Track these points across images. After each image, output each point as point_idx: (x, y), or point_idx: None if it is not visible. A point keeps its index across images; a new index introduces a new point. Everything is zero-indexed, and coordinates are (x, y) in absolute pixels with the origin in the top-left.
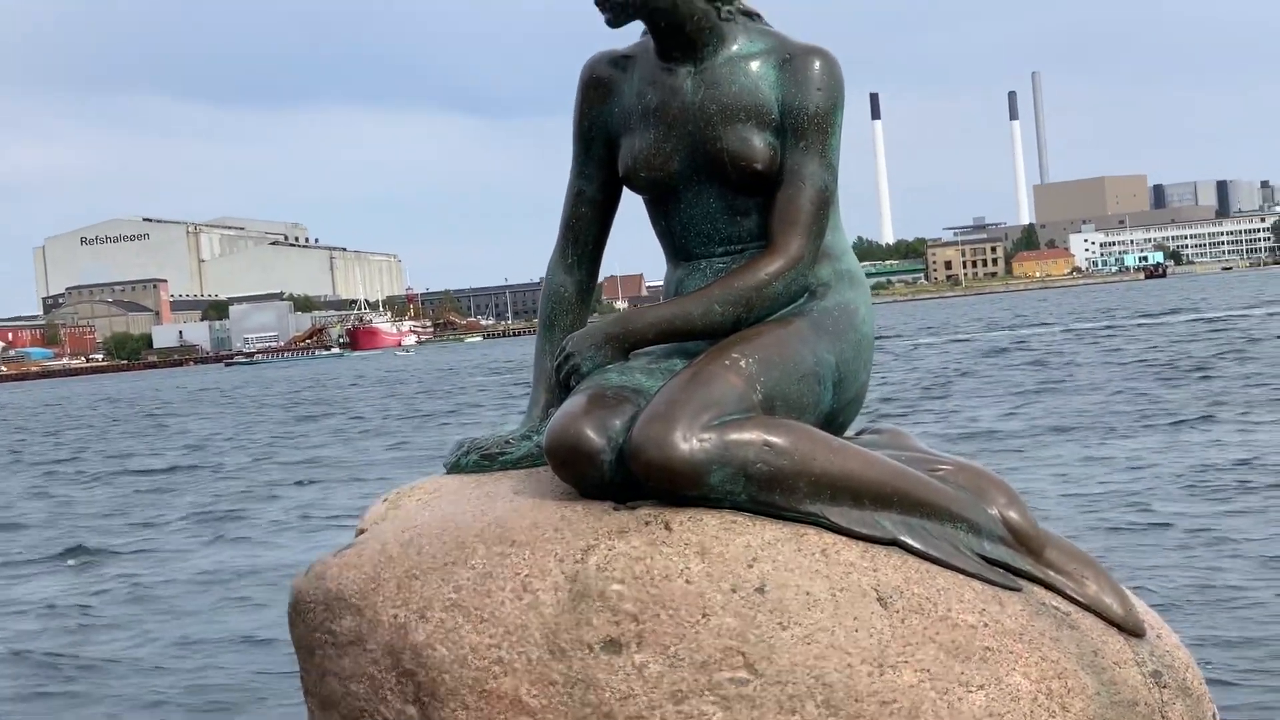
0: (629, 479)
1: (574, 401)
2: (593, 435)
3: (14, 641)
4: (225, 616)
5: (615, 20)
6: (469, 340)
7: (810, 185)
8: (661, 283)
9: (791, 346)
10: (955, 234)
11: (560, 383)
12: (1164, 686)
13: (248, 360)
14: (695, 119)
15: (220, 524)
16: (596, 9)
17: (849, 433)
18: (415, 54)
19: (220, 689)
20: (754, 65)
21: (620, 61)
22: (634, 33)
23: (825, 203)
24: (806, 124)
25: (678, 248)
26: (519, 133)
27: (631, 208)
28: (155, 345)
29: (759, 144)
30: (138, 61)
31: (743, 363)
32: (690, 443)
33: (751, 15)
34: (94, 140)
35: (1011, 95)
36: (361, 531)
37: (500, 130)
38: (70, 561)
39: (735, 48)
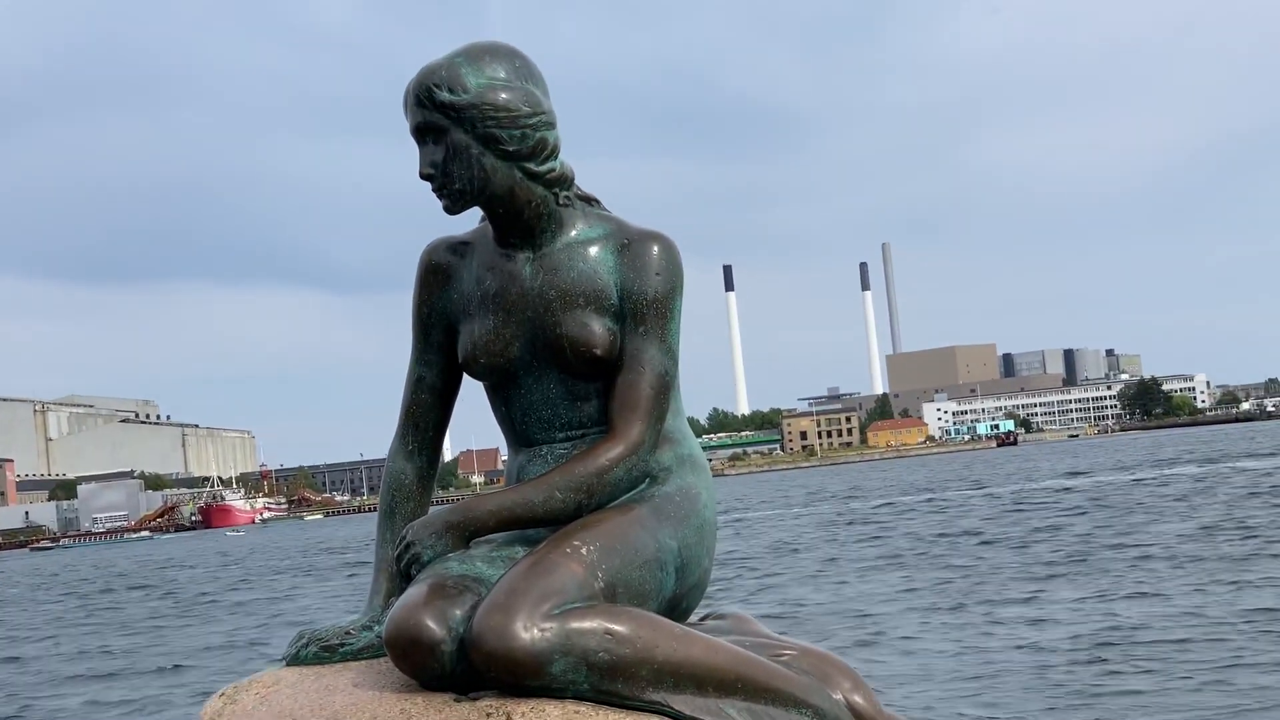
0: (470, 669)
1: (414, 591)
2: (433, 626)
3: None
4: None
5: (453, 207)
6: (310, 518)
7: (650, 370)
8: None
9: (633, 533)
10: (810, 404)
11: (401, 572)
12: None
13: (53, 544)
14: (534, 304)
15: None
16: (435, 195)
17: (693, 617)
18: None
19: None
20: (593, 250)
21: (459, 248)
22: (473, 218)
23: (666, 387)
24: (645, 309)
25: (518, 433)
26: (366, 307)
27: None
28: (0, 527)
29: (598, 329)
30: None
31: (584, 550)
32: (531, 632)
33: (589, 200)
34: None
35: (863, 266)
36: None
37: (349, 305)
38: None
39: (574, 233)
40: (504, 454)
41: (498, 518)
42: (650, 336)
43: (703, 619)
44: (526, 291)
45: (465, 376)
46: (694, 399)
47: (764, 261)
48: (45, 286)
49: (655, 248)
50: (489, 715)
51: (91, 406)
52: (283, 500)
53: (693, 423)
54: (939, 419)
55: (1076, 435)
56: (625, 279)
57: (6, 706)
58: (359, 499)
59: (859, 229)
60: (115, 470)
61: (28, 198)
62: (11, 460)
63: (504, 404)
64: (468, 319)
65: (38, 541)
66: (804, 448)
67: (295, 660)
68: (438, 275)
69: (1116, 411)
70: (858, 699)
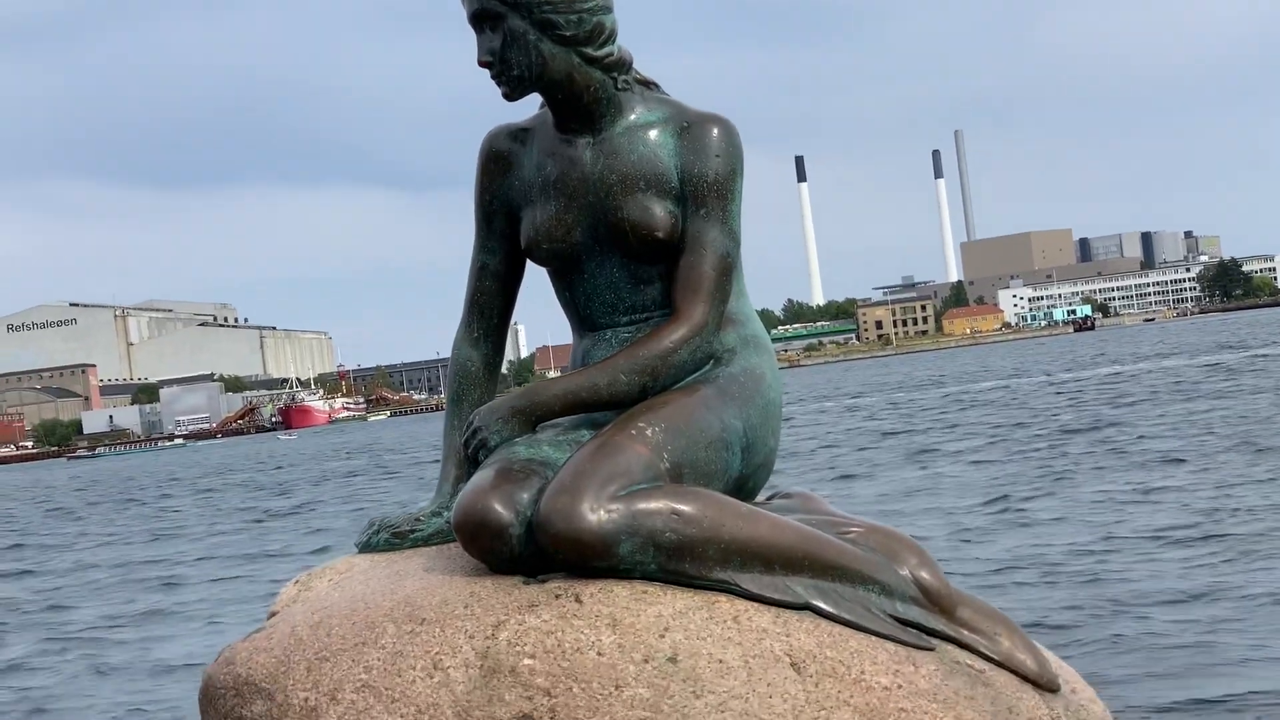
0: (538, 552)
1: (481, 476)
2: (500, 510)
3: None
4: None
5: (512, 94)
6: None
7: (712, 252)
8: None
9: (698, 413)
10: (885, 293)
11: (469, 457)
12: None
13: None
14: (595, 189)
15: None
16: (494, 83)
17: (759, 498)
18: (332, 131)
19: None
20: (652, 134)
21: (519, 134)
22: (533, 105)
23: (728, 269)
24: (706, 191)
25: (583, 318)
26: (441, 204)
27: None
28: (85, 431)
29: (659, 212)
30: (57, 147)
31: (649, 431)
32: (598, 514)
33: (648, 84)
34: (16, 227)
35: (935, 154)
36: (273, 614)
37: (424, 203)
38: None
39: (633, 117)
40: None
41: (563, 402)
42: (711, 218)
43: (769, 498)
44: (587, 176)
45: (529, 263)
46: (768, 290)
47: (836, 152)
48: (123, 192)
49: (715, 130)
50: (557, 597)
51: (170, 311)
52: (360, 400)
53: (767, 315)
54: (1015, 305)
55: (1152, 319)
56: (685, 162)
57: (102, 604)
58: (436, 397)
59: (930, 116)
60: (195, 373)
61: (106, 104)
62: (94, 365)
63: (567, 289)
64: (529, 205)
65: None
66: (879, 337)
67: (367, 547)
68: (498, 163)
69: (1195, 294)
70: (924, 575)
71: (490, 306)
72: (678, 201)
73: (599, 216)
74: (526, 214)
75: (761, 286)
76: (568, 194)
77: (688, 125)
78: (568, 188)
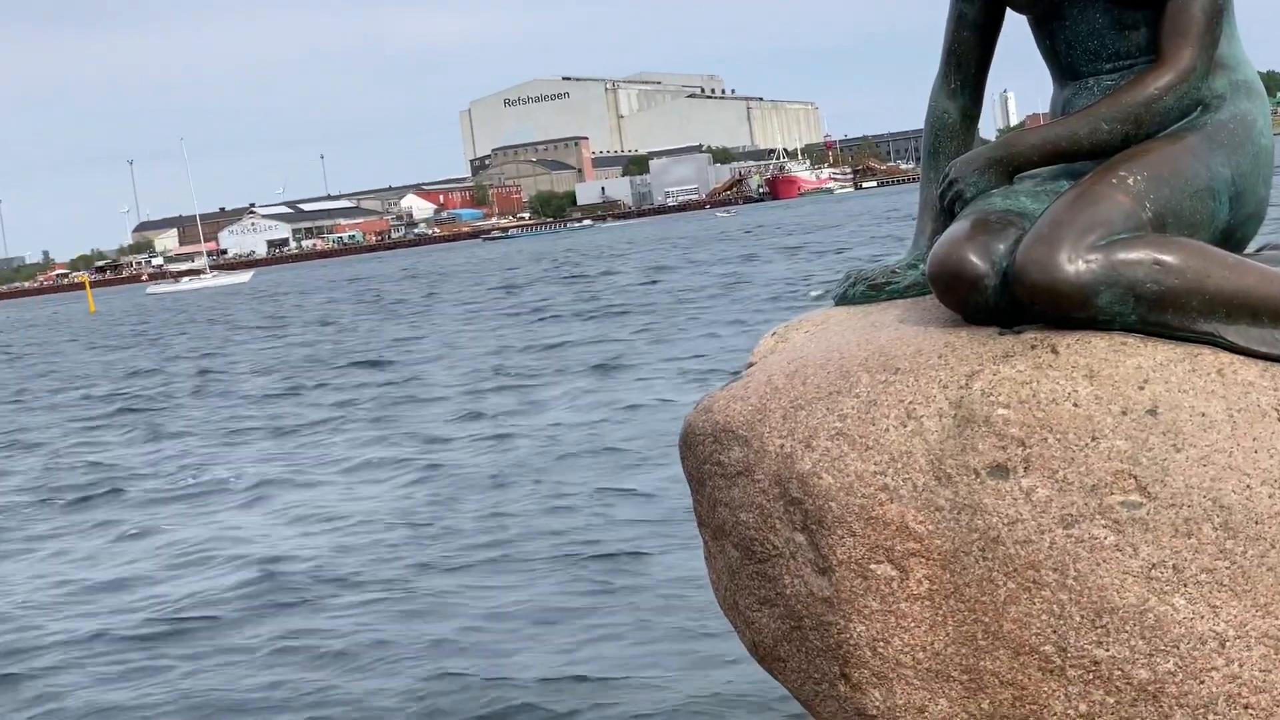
0: (1014, 303)
1: (957, 227)
2: (976, 260)
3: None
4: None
5: None
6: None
7: None
8: None
9: (1183, 161)
10: None
11: (944, 209)
12: None
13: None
14: None
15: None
16: None
17: (1248, 249)
18: None
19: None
20: None
21: None
22: None
23: (1218, 10)
24: None
25: (1063, 67)
26: None
27: None
28: (579, 202)
29: None
30: None
31: (1130, 180)
32: (1076, 264)
33: None
34: (514, 2)
35: None
36: (750, 365)
37: None
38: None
39: None
40: None
41: (1041, 151)
42: None
43: (1259, 250)
44: None
45: (1008, 12)
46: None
47: None
48: None
49: None
50: (1033, 348)
51: (659, 83)
52: (847, 170)
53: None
54: None
55: None
56: None
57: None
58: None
59: None
60: (683, 145)
61: None
62: (586, 138)
63: (1048, 38)
64: None
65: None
66: None
67: (843, 300)
68: None
69: None
70: None
71: (968, 57)
72: None
73: None
74: None
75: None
76: None
77: None
78: None
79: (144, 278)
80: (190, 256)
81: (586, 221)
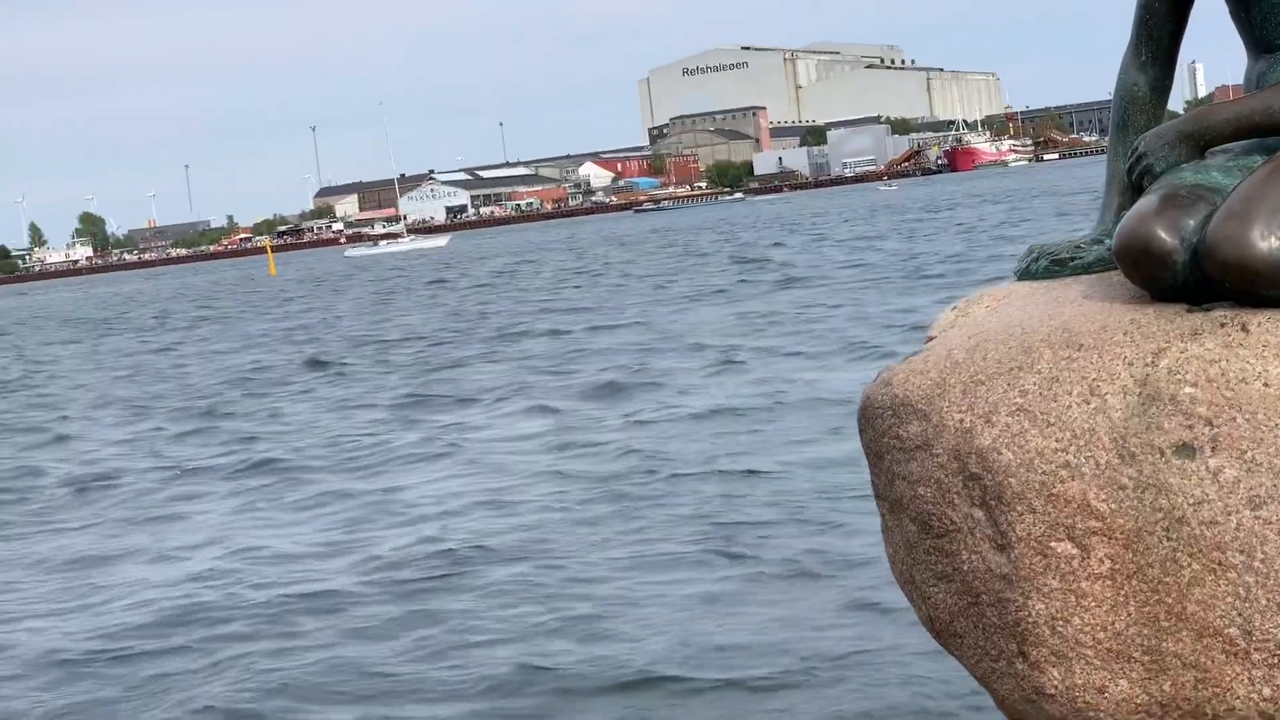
0: (1204, 280)
1: (1146, 202)
2: (1165, 236)
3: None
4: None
5: None
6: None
7: None
8: None
9: None
10: None
11: (1133, 184)
12: None
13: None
14: None
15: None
16: None
17: None
18: None
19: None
20: None
21: None
22: None
23: None
24: None
25: (1258, 38)
26: None
27: None
28: (756, 172)
29: None
30: None
31: None
32: (1269, 240)
33: None
34: None
35: None
36: (930, 339)
37: None
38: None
39: None
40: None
41: (1234, 125)
42: None
43: None
44: None
45: None
46: None
47: None
48: None
49: None
50: (1222, 325)
51: (838, 54)
52: (1028, 142)
53: None
54: None
55: None
56: None
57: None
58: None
59: None
60: (862, 116)
61: None
62: (764, 108)
63: (1243, 8)
64: None
65: (785, 188)
66: None
67: (1025, 274)
68: None
69: None
70: None
71: (1160, 28)
72: None
73: None
74: None
75: None
76: None
77: None
78: None
79: (341, 240)
80: (370, 222)
81: (738, 195)
